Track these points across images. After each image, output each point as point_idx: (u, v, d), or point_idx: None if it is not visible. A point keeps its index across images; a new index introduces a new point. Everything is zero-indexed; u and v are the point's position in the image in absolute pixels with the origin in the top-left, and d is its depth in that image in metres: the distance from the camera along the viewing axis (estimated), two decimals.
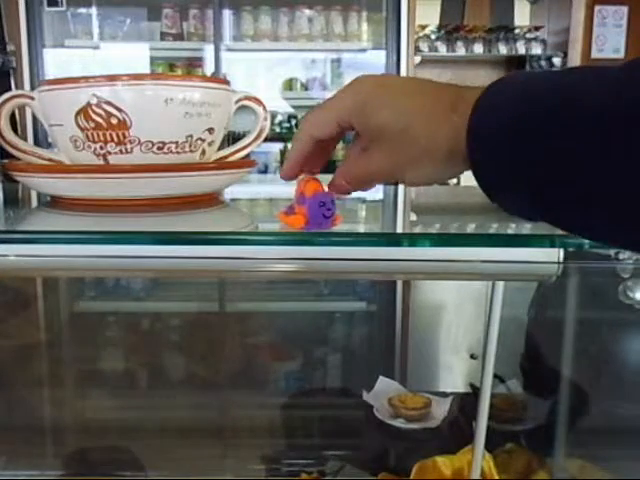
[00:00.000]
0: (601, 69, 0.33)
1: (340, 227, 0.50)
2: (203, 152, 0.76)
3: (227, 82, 0.81)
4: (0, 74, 2.61)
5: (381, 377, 1.29)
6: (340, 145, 0.49)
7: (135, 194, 0.70)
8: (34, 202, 0.89)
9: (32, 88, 0.87)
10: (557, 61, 3.72)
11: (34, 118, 2.60)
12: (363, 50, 3.17)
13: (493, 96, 0.37)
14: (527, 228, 0.55)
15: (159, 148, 0.71)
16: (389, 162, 0.42)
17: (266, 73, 3.34)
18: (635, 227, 0.32)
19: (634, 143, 0.29)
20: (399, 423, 1.20)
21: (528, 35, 3.81)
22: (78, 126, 0.70)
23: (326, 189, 0.47)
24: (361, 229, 0.66)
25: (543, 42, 3.79)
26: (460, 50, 3.75)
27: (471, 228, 0.65)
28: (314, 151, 0.47)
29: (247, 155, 0.85)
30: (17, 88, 2.75)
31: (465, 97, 0.38)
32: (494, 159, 0.36)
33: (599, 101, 0.31)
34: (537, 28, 3.83)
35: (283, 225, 0.50)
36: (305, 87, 3.33)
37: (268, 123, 0.83)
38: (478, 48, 3.75)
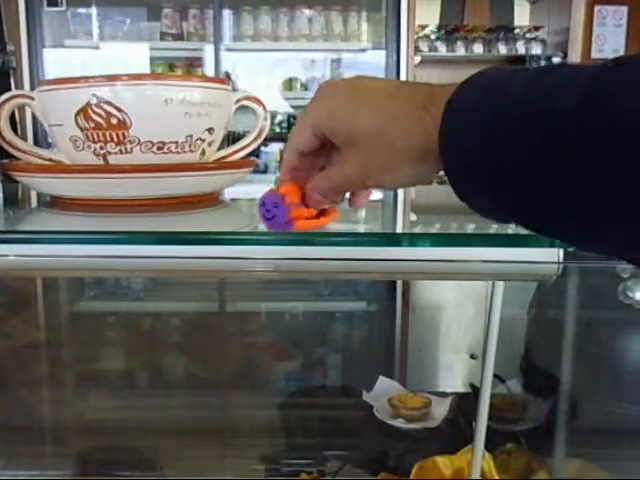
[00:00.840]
0: (577, 69, 0.32)
1: (340, 227, 0.50)
2: (203, 152, 0.76)
3: (229, 77, 0.81)
4: (0, 74, 2.61)
5: (381, 377, 1.29)
6: None
7: (135, 194, 0.70)
8: (34, 202, 0.89)
9: (32, 88, 0.87)
10: (557, 61, 3.72)
11: (34, 118, 2.60)
12: (363, 50, 3.17)
13: (464, 96, 0.36)
14: None
15: (159, 148, 0.71)
16: (363, 167, 0.41)
17: (266, 73, 3.34)
18: (609, 232, 0.31)
19: (606, 147, 0.29)
20: (399, 423, 1.20)
21: (528, 35, 3.81)
22: (78, 126, 0.70)
23: (294, 195, 0.46)
24: (361, 229, 0.66)
25: (543, 42, 3.79)
26: (460, 50, 3.75)
27: (471, 228, 0.65)
28: (303, 165, 0.46)
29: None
30: (17, 88, 2.75)
31: (437, 96, 0.37)
32: (466, 161, 0.35)
33: (571, 104, 0.30)
34: (537, 28, 3.83)
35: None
36: (305, 87, 3.33)
37: (268, 123, 0.83)
38: (478, 48, 3.76)
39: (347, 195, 0.47)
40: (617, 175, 0.29)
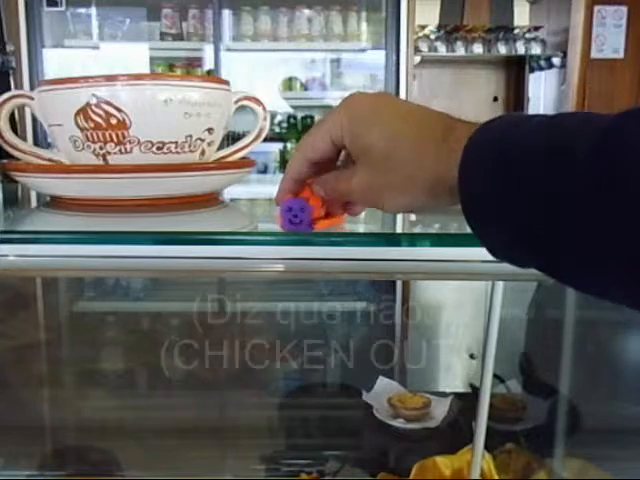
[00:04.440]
0: (596, 114, 0.33)
1: (340, 227, 0.50)
2: (203, 152, 0.76)
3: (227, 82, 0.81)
4: None
5: (381, 377, 1.29)
6: None
7: (135, 194, 0.70)
8: (34, 202, 0.89)
9: (32, 88, 0.87)
10: (556, 61, 3.73)
11: (34, 118, 2.60)
12: (363, 50, 3.17)
13: (486, 133, 0.36)
14: None
15: (158, 148, 0.71)
16: (371, 183, 0.41)
17: (266, 73, 3.34)
18: (616, 276, 0.31)
19: (619, 191, 0.29)
20: (399, 423, 1.20)
21: (527, 35, 3.81)
22: (77, 126, 0.70)
23: (315, 199, 0.46)
24: (361, 229, 0.66)
25: (542, 42, 3.79)
26: (460, 50, 3.75)
27: None
28: (309, 176, 0.46)
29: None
30: (17, 88, 2.75)
31: (458, 130, 0.37)
32: (483, 200, 0.35)
33: (588, 148, 0.31)
34: (536, 28, 3.83)
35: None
36: (304, 87, 3.33)
37: (268, 123, 0.83)
38: (477, 48, 3.76)
39: None
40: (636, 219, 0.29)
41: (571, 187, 0.31)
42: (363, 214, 0.51)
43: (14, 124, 0.80)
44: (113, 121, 0.69)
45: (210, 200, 0.77)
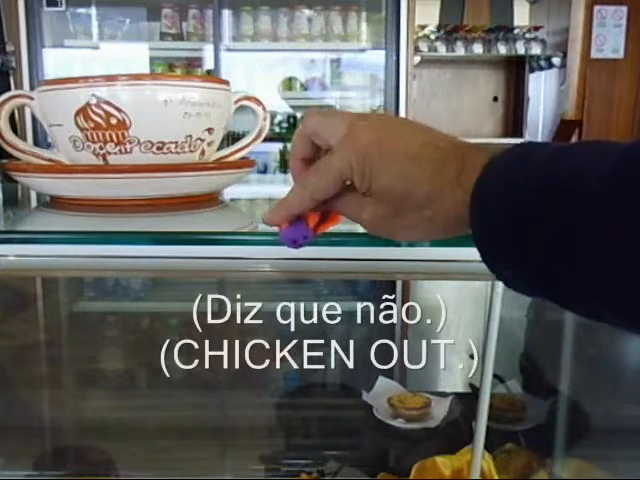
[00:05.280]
0: (608, 144, 0.33)
1: (340, 227, 0.50)
2: (202, 152, 0.76)
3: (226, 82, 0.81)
4: None
5: (381, 377, 1.29)
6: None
7: (135, 194, 0.70)
8: (34, 202, 0.89)
9: (32, 88, 0.87)
10: (556, 61, 3.73)
11: (34, 118, 2.60)
12: (362, 50, 3.17)
13: (494, 173, 0.36)
14: None
15: (158, 148, 0.71)
16: (383, 219, 0.41)
17: (265, 73, 3.34)
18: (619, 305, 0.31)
19: (620, 230, 0.29)
20: (399, 423, 1.20)
21: (527, 35, 3.81)
22: (77, 126, 0.70)
23: (314, 216, 0.46)
24: (361, 229, 0.66)
25: (542, 42, 3.79)
26: (459, 50, 3.75)
27: None
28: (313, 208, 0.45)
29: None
30: (17, 88, 2.75)
31: (470, 165, 0.37)
32: (497, 241, 0.36)
33: (601, 175, 0.31)
34: (536, 28, 3.83)
35: None
36: (304, 87, 3.33)
37: (267, 123, 0.83)
38: (477, 48, 3.76)
39: None
40: None
41: (572, 223, 0.31)
42: None
43: (14, 124, 0.80)
44: (113, 121, 0.69)
45: (210, 200, 0.78)
